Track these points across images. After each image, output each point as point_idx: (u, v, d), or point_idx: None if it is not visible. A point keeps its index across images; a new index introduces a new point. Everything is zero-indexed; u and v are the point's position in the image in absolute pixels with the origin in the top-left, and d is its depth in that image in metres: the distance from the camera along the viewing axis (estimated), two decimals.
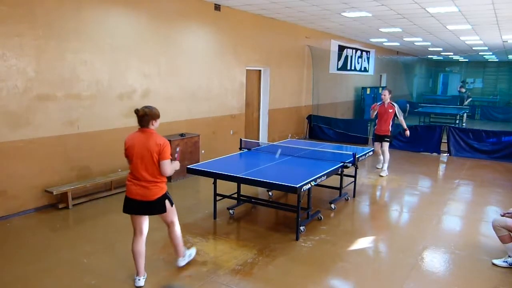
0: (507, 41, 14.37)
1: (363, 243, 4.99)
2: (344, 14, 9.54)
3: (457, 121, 15.37)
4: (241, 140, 6.96)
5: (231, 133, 9.64)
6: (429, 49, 19.08)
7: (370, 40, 15.69)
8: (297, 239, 4.96)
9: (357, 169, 6.56)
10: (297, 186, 4.49)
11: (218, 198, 5.71)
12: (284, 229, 5.34)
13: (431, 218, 5.90)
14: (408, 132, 8.73)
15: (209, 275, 4.08)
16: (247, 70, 10.04)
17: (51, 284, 3.91)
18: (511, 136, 9.91)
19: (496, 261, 4.42)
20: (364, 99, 16.99)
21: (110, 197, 6.53)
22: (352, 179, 6.82)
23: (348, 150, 6.77)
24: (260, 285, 3.96)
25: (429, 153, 10.62)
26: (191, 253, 4.36)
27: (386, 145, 8.21)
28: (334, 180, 6.41)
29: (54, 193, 5.77)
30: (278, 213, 6.02)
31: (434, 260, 4.59)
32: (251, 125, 10.78)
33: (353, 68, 16.29)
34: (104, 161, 6.69)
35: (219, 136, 9.20)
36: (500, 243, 4.46)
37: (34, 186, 5.79)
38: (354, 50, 16.07)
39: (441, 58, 26.40)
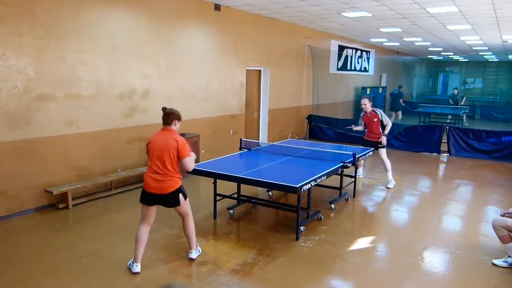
0: (507, 41, 14.36)
1: (363, 243, 4.99)
2: (344, 14, 9.54)
3: (457, 122, 15.36)
4: (241, 140, 6.96)
5: (231, 133, 9.64)
6: (429, 49, 19.07)
7: (370, 40, 15.68)
8: (297, 239, 4.96)
9: (357, 169, 6.56)
10: (297, 186, 4.50)
11: (218, 198, 5.72)
12: (284, 229, 5.34)
13: (431, 218, 5.90)
14: (384, 139, 7.27)
15: (209, 275, 4.08)
16: (247, 70, 10.04)
17: (51, 284, 3.91)
18: (511, 136, 9.91)
19: (496, 261, 4.42)
20: None
21: (110, 197, 6.53)
22: (352, 179, 6.82)
23: (348, 150, 6.77)
24: (260, 285, 3.96)
25: (429, 153, 10.62)
26: (200, 249, 4.52)
27: (383, 151, 7.29)
28: (334, 180, 6.41)
29: (54, 193, 5.77)
30: (278, 213, 6.02)
31: (434, 260, 4.59)
32: (251, 125, 10.78)
33: (353, 68, 16.29)
34: (104, 161, 6.69)
35: (219, 136, 9.19)
36: (500, 243, 4.46)
37: (34, 186, 5.79)
38: (354, 50, 16.06)
39: (441, 58, 26.40)
